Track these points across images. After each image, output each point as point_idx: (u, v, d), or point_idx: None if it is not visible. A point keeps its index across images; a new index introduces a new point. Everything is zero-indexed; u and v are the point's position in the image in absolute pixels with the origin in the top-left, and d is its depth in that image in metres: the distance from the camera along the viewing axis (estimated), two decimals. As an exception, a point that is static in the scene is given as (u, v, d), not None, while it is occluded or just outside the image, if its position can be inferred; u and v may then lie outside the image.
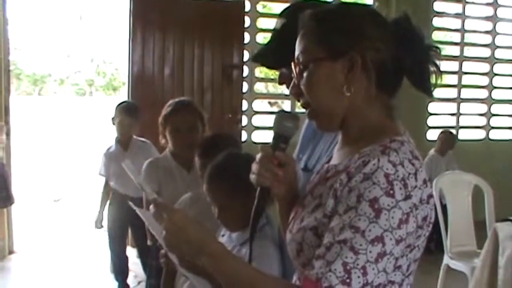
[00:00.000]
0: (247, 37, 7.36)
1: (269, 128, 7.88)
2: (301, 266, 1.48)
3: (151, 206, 1.54)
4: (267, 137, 7.91)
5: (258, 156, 1.60)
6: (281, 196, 1.66)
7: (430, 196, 1.41)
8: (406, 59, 1.48)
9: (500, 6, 8.92)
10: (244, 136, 7.38)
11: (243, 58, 7.24)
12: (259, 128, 7.71)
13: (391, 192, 1.32)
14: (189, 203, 2.92)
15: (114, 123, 5.30)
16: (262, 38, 7.86)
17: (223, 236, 2.44)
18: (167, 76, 6.98)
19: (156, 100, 6.87)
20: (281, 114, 1.67)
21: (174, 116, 3.45)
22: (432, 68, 1.50)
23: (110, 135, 5.59)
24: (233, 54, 7.18)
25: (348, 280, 1.29)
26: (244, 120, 7.41)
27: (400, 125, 1.53)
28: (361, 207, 1.32)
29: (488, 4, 8.87)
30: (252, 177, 1.61)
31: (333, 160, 1.59)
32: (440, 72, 1.51)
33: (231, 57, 7.18)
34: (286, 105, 7.98)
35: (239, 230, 2.35)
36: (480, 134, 9.08)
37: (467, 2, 8.71)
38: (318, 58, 1.49)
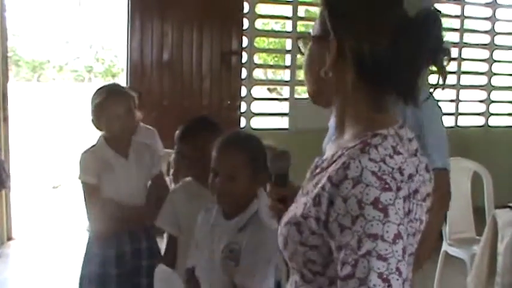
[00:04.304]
0: (246, 23, 7.32)
1: (268, 114, 7.89)
2: (289, 260, 1.49)
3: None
4: (266, 123, 7.92)
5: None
6: None
7: (416, 191, 1.40)
8: (404, 55, 1.39)
9: (500, -8, 8.89)
10: (243, 122, 7.36)
11: (241, 44, 7.21)
12: (258, 114, 7.69)
13: (387, 186, 1.29)
14: (180, 187, 2.98)
15: None
16: (262, 24, 7.84)
17: (213, 225, 2.44)
18: (165, 62, 6.96)
19: (154, 86, 6.87)
20: (272, 157, 1.77)
21: (110, 101, 3.31)
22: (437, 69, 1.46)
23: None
24: (232, 41, 7.15)
25: (389, 287, 1.26)
26: (243, 107, 7.38)
27: (389, 117, 1.48)
28: (367, 212, 1.28)
29: (488, -10, 8.84)
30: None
31: (325, 154, 1.57)
32: (444, 78, 1.49)
33: (229, 44, 7.14)
34: (285, 91, 7.95)
35: (236, 213, 2.37)
36: (479, 121, 9.06)
37: (467, -12, 8.67)
38: (311, 36, 1.51)
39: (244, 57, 7.35)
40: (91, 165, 3.33)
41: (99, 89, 3.41)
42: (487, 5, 8.87)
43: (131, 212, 3.34)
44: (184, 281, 2.46)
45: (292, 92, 7.77)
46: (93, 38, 44.61)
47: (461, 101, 8.89)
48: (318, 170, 1.49)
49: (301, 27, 7.72)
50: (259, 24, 7.64)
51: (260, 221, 2.37)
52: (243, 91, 7.37)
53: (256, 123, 7.63)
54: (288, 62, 7.84)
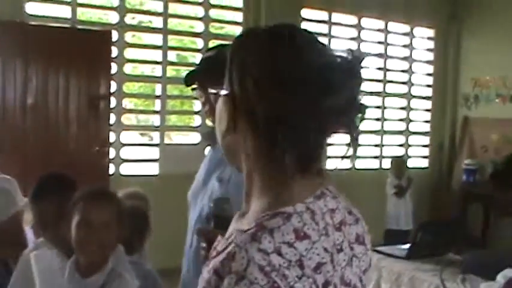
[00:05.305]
0: (114, 68, 7.20)
1: (137, 161, 7.74)
2: None
3: None
4: (136, 169, 7.75)
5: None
6: None
7: (327, 283, 1.17)
8: (301, 113, 1.21)
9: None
10: (112, 169, 7.16)
11: (110, 89, 7.05)
12: (128, 160, 7.53)
13: (276, 285, 1.07)
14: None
15: None
16: (131, 68, 7.74)
17: (68, 284, 2.31)
18: (30, 107, 6.66)
19: (17, 131, 6.57)
20: (217, 200, 1.73)
21: None
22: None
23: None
24: (100, 85, 6.98)
25: None
26: (112, 153, 7.20)
27: (302, 186, 1.24)
28: None
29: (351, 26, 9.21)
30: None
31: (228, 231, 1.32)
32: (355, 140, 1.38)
33: (97, 88, 6.96)
34: (156, 137, 7.87)
35: (94, 270, 2.28)
36: (346, 164, 9.31)
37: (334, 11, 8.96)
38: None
39: (113, 102, 7.19)
40: None
41: None
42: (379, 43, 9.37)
43: None
44: None
45: (162, 137, 7.68)
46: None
47: (330, 144, 9.11)
48: (214, 254, 1.24)
49: (171, 71, 7.68)
50: (128, 68, 7.54)
51: (119, 275, 2.29)
52: (112, 137, 7.20)
53: (126, 169, 7.46)
54: (157, 107, 7.76)
